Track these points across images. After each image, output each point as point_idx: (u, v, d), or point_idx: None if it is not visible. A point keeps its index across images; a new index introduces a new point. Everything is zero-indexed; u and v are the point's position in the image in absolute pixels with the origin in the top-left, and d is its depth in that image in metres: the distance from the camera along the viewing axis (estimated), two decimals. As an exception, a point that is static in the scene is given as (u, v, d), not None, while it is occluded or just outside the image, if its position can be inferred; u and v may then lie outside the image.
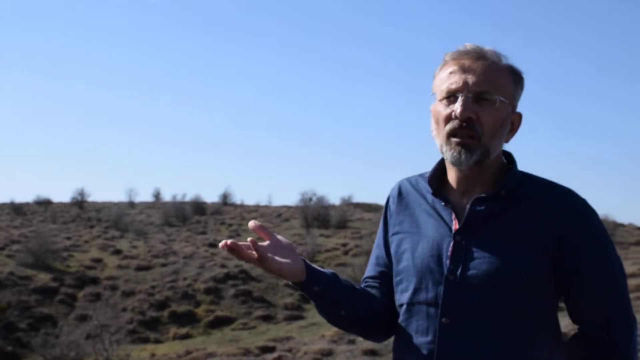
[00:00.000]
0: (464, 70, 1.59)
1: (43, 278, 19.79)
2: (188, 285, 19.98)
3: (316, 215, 34.08)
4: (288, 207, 41.45)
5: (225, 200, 44.55)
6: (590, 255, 1.55)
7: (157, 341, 16.91)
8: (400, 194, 1.78)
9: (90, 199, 43.47)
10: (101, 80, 60.87)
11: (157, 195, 46.23)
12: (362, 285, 1.82)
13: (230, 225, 35.33)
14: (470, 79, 1.57)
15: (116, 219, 32.68)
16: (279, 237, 1.65)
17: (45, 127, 60.50)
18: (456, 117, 1.56)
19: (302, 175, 65.83)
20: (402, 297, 1.67)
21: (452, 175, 1.66)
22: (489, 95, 1.57)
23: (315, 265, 1.68)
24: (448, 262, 1.58)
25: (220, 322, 18.06)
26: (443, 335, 1.56)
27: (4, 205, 40.24)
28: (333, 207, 37.97)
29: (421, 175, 1.76)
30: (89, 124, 63.47)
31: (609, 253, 1.56)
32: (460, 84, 1.57)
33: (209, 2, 67.72)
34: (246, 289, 19.86)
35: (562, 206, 1.56)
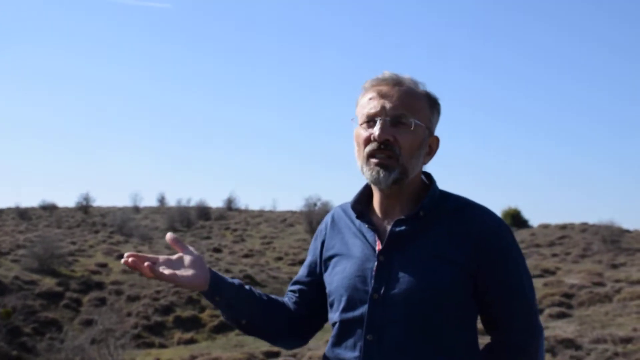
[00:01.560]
0: (381, 95, 1.69)
1: (48, 283, 19.83)
2: (193, 290, 19.99)
3: (320, 220, 33.99)
4: (292, 212, 41.46)
5: (229, 205, 44.59)
6: (503, 272, 1.65)
7: (162, 346, 16.92)
8: (333, 220, 1.88)
9: (95, 203, 43.60)
10: (106, 85, 61.02)
11: (161, 200, 46.32)
12: (289, 289, 1.93)
13: (235, 230, 35.38)
14: (388, 103, 1.67)
15: (121, 224, 32.73)
16: (190, 249, 1.75)
17: (51, 133, 60.64)
18: (375, 140, 1.66)
19: (307, 180, 65.82)
20: (334, 315, 1.76)
21: (375, 198, 1.77)
22: (405, 119, 1.67)
23: (224, 277, 1.78)
24: (372, 281, 1.67)
25: (224, 327, 18.05)
26: (368, 351, 1.64)
27: (9, 210, 40.36)
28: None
29: (349, 203, 1.86)
30: (94, 129, 63.64)
31: (520, 269, 1.68)
32: (379, 108, 1.68)
33: (213, 9, 67.88)
34: (251, 294, 19.87)
35: (478, 224, 1.66)
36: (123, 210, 40.96)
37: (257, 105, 65.50)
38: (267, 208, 45.55)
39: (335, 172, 64.09)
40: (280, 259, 27.12)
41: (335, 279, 1.77)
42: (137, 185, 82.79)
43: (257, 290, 1.88)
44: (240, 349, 14.67)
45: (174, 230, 34.84)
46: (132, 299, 19.55)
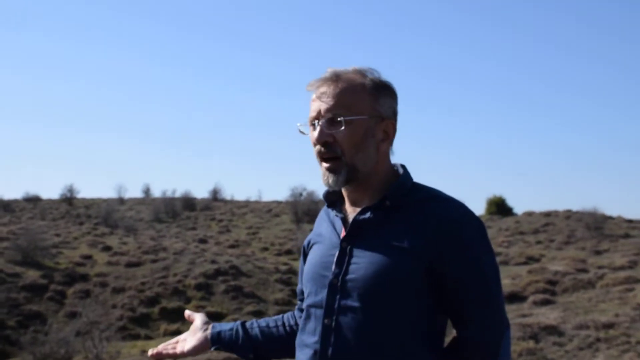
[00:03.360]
0: (319, 97, 1.72)
1: (32, 275, 19.69)
2: (178, 281, 19.94)
3: (306, 210, 34.11)
4: (278, 203, 41.46)
5: (215, 195, 44.51)
6: (465, 265, 1.63)
7: (148, 337, 16.88)
8: (320, 214, 1.95)
9: (80, 195, 43.37)
10: (90, 77, 60.57)
11: (146, 191, 46.16)
12: (299, 298, 1.98)
13: (221, 221, 35.33)
14: (323, 105, 1.70)
15: (106, 216, 32.60)
16: (198, 318, 2.01)
17: (34, 124, 60.19)
18: (315, 144, 1.72)
19: (292, 170, 65.82)
20: (304, 302, 1.81)
21: (344, 189, 1.79)
22: (340, 117, 1.68)
23: (224, 326, 1.97)
24: (333, 267, 1.71)
25: (211, 318, 17.26)
26: (326, 335, 1.68)
27: (-8, 202, 40.01)
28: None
29: None
30: (78, 120, 63.19)
31: (484, 260, 1.65)
32: (316, 112, 1.72)
33: (199, 1, 67.50)
34: (237, 285, 19.84)
35: (440, 214, 1.65)
36: (108, 201, 40.79)
37: (241, 95, 65.30)
38: (253, 198, 45.58)
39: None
40: (266, 249, 27.12)
41: (306, 267, 1.84)
42: (121, 176, 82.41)
43: (264, 319, 2.02)
44: (226, 340, 14.67)
45: (159, 221, 34.75)
46: (117, 290, 19.46)
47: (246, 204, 43.13)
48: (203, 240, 27.79)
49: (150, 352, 1.92)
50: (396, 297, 1.62)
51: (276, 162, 66.50)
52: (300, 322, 1.82)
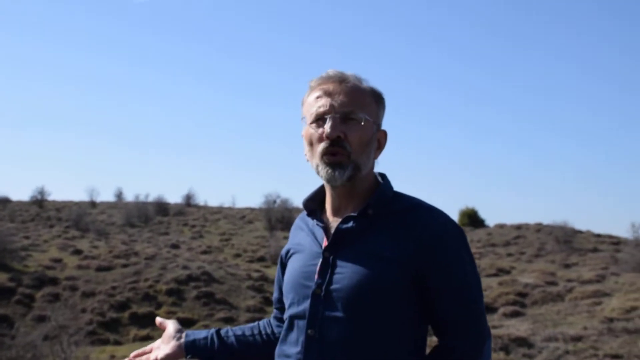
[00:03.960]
0: (328, 94, 1.70)
1: (0, 278, 19.39)
2: (149, 287, 19.77)
3: (280, 217, 34.05)
4: (252, 209, 41.32)
5: (188, 201, 44.24)
6: (449, 275, 1.64)
7: (117, 343, 16.70)
8: (296, 223, 1.93)
9: (51, 197, 42.78)
10: (64, 78, 59.94)
11: (119, 195, 45.69)
12: (275, 307, 2.00)
13: (193, 226, 35.09)
14: (336, 101, 1.69)
15: (77, 219, 32.19)
16: (168, 323, 2.00)
17: (4, 124, 59.33)
18: (326, 137, 1.67)
19: (267, 177, 65.69)
20: (286, 312, 1.80)
21: (327, 197, 1.79)
22: (355, 115, 1.68)
23: (198, 334, 1.95)
24: (316, 277, 1.69)
25: (181, 324, 17.37)
26: (309, 346, 1.66)
27: (-40, 203, 39.31)
28: (297, 209, 37.91)
29: None
30: (50, 121, 62.45)
31: (467, 270, 1.67)
32: (327, 106, 1.69)
33: (181, 3, 67.27)
34: (208, 291, 19.73)
35: (423, 225, 1.66)
36: (79, 204, 40.31)
37: (217, 101, 65.08)
38: (226, 204, 45.40)
39: (294, 169, 64.10)
40: (238, 255, 27.01)
41: (286, 277, 1.82)
42: (93, 179, 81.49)
43: (239, 327, 2.00)
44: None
45: (131, 225, 34.43)
46: (87, 294, 19.24)
47: (219, 210, 42.92)
48: (175, 246, 27.59)
49: None
50: (380, 306, 1.61)
51: (250, 169, 66.37)
52: (281, 332, 1.80)
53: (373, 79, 1.76)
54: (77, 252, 23.91)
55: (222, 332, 1.95)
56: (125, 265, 21.86)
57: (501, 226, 34.73)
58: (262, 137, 66.01)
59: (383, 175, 1.81)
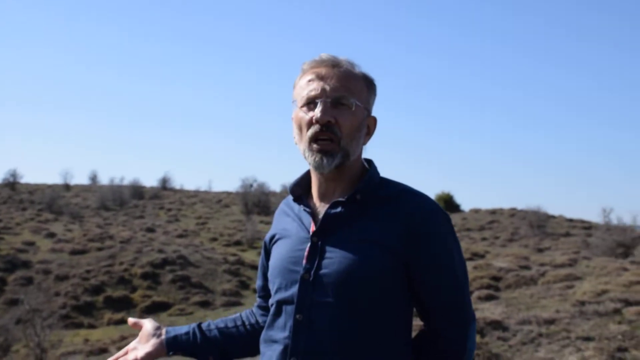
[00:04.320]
0: (321, 78, 1.68)
1: (-28, 261, 19.18)
2: (124, 270, 19.67)
3: (256, 201, 34.05)
4: (228, 193, 41.25)
5: (164, 184, 44.02)
6: (436, 259, 1.65)
7: (91, 326, 16.61)
8: (280, 209, 1.90)
9: (23, 180, 42.27)
10: (38, 57, 59.04)
11: (93, 178, 45.28)
12: (259, 295, 1.97)
13: (169, 210, 34.93)
14: (328, 85, 1.67)
15: (50, 202, 31.88)
16: (147, 324, 1.91)
17: (-23, 105, 58.40)
18: (317, 122, 1.65)
19: (243, 161, 65.53)
20: (272, 298, 1.77)
21: (314, 182, 1.77)
22: (346, 100, 1.66)
23: (179, 330, 1.90)
24: (304, 262, 1.67)
25: (156, 308, 17.86)
26: (297, 330, 1.65)
27: None
28: (274, 193, 37.95)
29: None
30: (23, 102, 61.55)
31: (453, 255, 1.67)
32: (319, 90, 1.67)
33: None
34: (184, 275, 19.69)
35: (412, 210, 1.65)
36: (53, 187, 39.85)
37: (194, 85, 64.61)
38: (203, 188, 45.26)
39: (272, 153, 64.00)
40: (215, 239, 26.95)
41: (272, 262, 1.79)
42: (68, 162, 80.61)
43: (221, 320, 1.97)
44: (172, 330, 14.53)
45: (106, 209, 34.16)
46: (61, 278, 19.09)
47: (196, 193, 42.77)
48: (151, 229, 27.44)
49: None
50: (370, 291, 1.61)
51: (227, 153, 66.12)
52: (268, 317, 1.77)
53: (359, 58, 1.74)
54: (51, 235, 23.70)
55: (204, 325, 1.92)
56: (100, 249, 21.72)
57: (476, 211, 35.07)
58: (239, 121, 65.78)
59: (370, 161, 1.80)
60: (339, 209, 1.68)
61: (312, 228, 1.71)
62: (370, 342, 1.62)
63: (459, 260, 1.69)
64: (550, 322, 8.38)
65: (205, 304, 18.10)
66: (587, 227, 28.29)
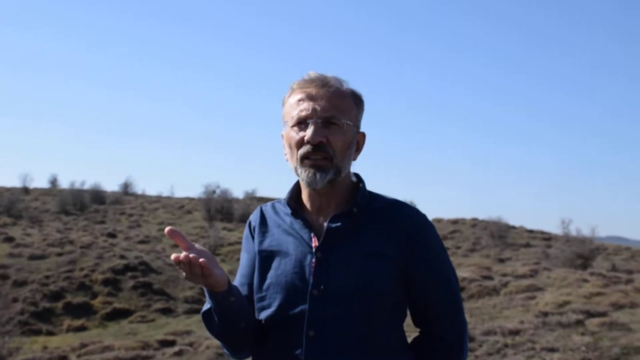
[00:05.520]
0: (311, 98, 1.71)
1: None
2: (85, 276, 19.33)
3: (219, 208, 33.82)
4: (191, 199, 40.89)
5: (126, 189, 43.46)
6: (432, 267, 1.73)
7: (50, 333, 16.28)
8: (261, 217, 1.87)
9: (-20, 183, 41.30)
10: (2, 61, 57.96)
11: (53, 182, 44.43)
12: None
13: (131, 215, 34.48)
14: (318, 105, 1.70)
15: (9, 205, 31.19)
16: (196, 244, 1.65)
17: None
18: (308, 142, 1.68)
19: (206, 167, 65.16)
20: (266, 312, 1.74)
21: (306, 196, 1.79)
22: (337, 120, 1.70)
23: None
24: (311, 278, 1.69)
25: (117, 315, 17.59)
26: (310, 347, 1.65)
27: None
28: (237, 200, 37.78)
29: (278, 201, 1.88)
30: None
31: (446, 263, 1.76)
32: (310, 111, 1.70)
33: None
34: (146, 281, 19.43)
35: (407, 221, 1.73)
36: (11, 190, 39.02)
37: (158, 92, 64.07)
38: (165, 194, 44.77)
39: (235, 160, 63.76)
40: (176, 246, 26.38)
41: (269, 276, 1.76)
42: (27, 165, 79.02)
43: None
44: (134, 337, 14.34)
45: (67, 213, 33.58)
46: (19, 284, 18.67)
47: (158, 199, 42.31)
48: (112, 235, 27.04)
49: (182, 255, 1.54)
50: (378, 302, 1.66)
51: (190, 159, 65.69)
52: (264, 333, 1.75)
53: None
54: (9, 239, 23.18)
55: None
56: (59, 254, 21.31)
57: (438, 220, 35.36)
58: (203, 127, 65.48)
59: (357, 175, 1.84)
60: (339, 223, 1.72)
61: (314, 243, 1.72)
62: (381, 352, 1.67)
63: (451, 267, 1.77)
64: (515, 332, 8.52)
65: (167, 311, 17.89)
66: (547, 238, 28.77)
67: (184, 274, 1.58)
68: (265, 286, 1.76)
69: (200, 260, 1.54)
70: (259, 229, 1.85)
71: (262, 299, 1.77)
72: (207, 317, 1.76)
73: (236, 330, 1.73)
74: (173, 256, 1.55)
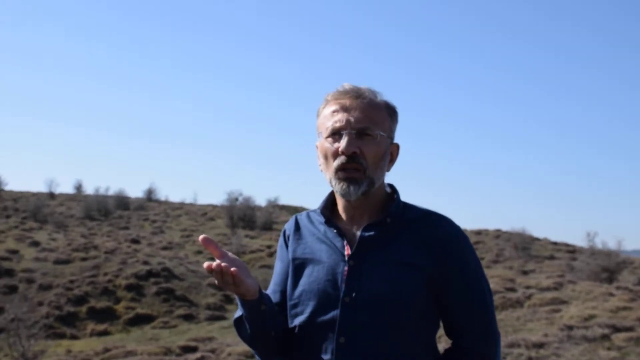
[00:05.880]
0: (345, 109, 1.74)
1: (-46, 268, 18.94)
2: (108, 281, 19.50)
3: (242, 215, 33.91)
4: (214, 206, 41.06)
5: (149, 195, 43.78)
6: (465, 278, 1.74)
7: (74, 337, 16.43)
8: (296, 225, 1.91)
9: (7, 187, 41.88)
10: (24, 62, 58.77)
11: (78, 188, 44.91)
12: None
13: (154, 221, 34.72)
14: (352, 117, 1.72)
15: (35, 210, 31.60)
16: (229, 253, 1.69)
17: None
18: (342, 153, 1.71)
19: (229, 175, 65.41)
20: (298, 319, 1.77)
21: (341, 206, 1.81)
22: (370, 131, 1.72)
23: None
24: (343, 285, 1.71)
25: (140, 320, 17.71)
26: (340, 354, 1.68)
27: None
28: (259, 208, 37.87)
29: (313, 210, 1.92)
30: (8, 108, 61.12)
31: (480, 275, 1.77)
32: (344, 122, 1.72)
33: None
34: (168, 287, 19.55)
35: (440, 231, 1.74)
36: (37, 195, 39.52)
37: (182, 97, 64.56)
38: (188, 200, 45.01)
39: (258, 167, 63.94)
40: (199, 252, 26.80)
41: (302, 283, 1.79)
42: (52, 171, 79.96)
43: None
44: (156, 343, 14.42)
45: (91, 218, 33.91)
46: (45, 287, 18.89)
47: (181, 205, 42.55)
48: (135, 241, 27.24)
49: (215, 264, 1.57)
50: (409, 311, 1.67)
51: (213, 166, 65.98)
52: (296, 340, 1.77)
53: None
54: (35, 243, 23.48)
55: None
56: (84, 259, 21.53)
57: (461, 231, 35.02)
58: (226, 134, 65.76)
59: (392, 186, 1.87)
60: (372, 232, 1.74)
61: (347, 251, 1.75)
62: (411, 359, 1.68)
63: (484, 278, 1.78)
64: (539, 345, 8.44)
65: (189, 317, 17.97)
66: (572, 250, 28.45)
67: (216, 281, 1.62)
68: (298, 293, 1.79)
69: (232, 269, 1.59)
70: (293, 237, 1.89)
71: (294, 305, 1.79)
72: (238, 323, 1.79)
73: (267, 337, 1.77)
74: (206, 264, 1.60)
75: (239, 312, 1.77)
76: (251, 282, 1.65)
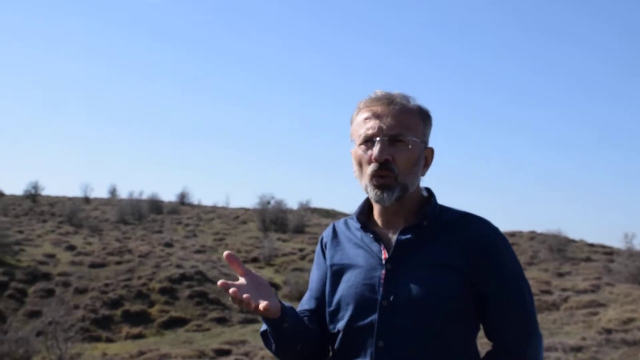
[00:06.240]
0: (377, 116, 1.74)
1: (-7, 272, 19.30)
2: (143, 285, 19.70)
3: (274, 218, 34.03)
4: (246, 210, 41.25)
5: (182, 199, 44.16)
6: (504, 279, 1.71)
7: (109, 340, 16.63)
8: (333, 233, 1.91)
9: (44, 192, 42.63)
10: (59, 73, 59.80)
11: (113, 192, 45.55)
12: (303, 308, 1.91)
13: (187, 225, 35.01)
14: (384, 124, 1.72)
15: (70, 214, 32.10)
16: (252, 271, 1.68)
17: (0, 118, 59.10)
18: (375, 160, 1.71)
19: (261, 178, 65.69)
20: (338, 324, 1.77)
21: (377, 211, 1.81)
22: (402, 137, 1.72)
23: (284, 303, 1.74)
24: (381, 289, 1.71)
25: (174, 323, 17.86)
26: (379, 358, 1.67)
27: (-47, 195, 39.08)
28: (291, 211, 37.94)
29: (350, 217, 1.91)
30: (45, 116, 62.25)
31: (519, 276, 1.73)
32: (376, 129, 1.72)
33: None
34: (201, 290, 19.69)
35: (478, 234, 1.72)
36: (73, 200, 40.15)
37: (214, 100, 65.07)
38: (220, 204, 45.29)
39: (289, 170, 64.14)
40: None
41: (340, 289, 1.79)
42: (88, 175, 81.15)
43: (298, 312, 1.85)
44: (190, 346, 14.52)
45: (125, 222, 34.32)
46: (80, 291, 19.17)
47: (213, 209, 42.84)
48: (169, 244, 27.50)
49: (232, 291, 1.56)
50: (447, 314, 1.65)
51: (245, 169, 66.35)
52: (337, 344, 1.77)
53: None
54: (71, 247, 23.83)
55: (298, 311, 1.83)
56: (118, 263, 21.80)
57: (494, 233, 34.65)
58: (258, 137, 66.08)
59: (429, 189, 1.86)
60: (409, 236, 1.73)
61: (384, 255, 1.74)
62: None
63: (524, 279, 1.74)
64: (577, 349, 8.28)
65: (222, 321, 18.08)
66: (609, 252, 27.92)
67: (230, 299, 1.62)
68: (336, 299, 1.79)
69: (244, 296, 1.57)
70: (330, 244, 1.89)
71: (334, 311, 1.79)
72: (264, 337, 1.80)
73: (292, 351, 1.77)
74: (219, 283, 1.61)
75: (264, 327, 1.77)
76: (271, 303, 1.62)
